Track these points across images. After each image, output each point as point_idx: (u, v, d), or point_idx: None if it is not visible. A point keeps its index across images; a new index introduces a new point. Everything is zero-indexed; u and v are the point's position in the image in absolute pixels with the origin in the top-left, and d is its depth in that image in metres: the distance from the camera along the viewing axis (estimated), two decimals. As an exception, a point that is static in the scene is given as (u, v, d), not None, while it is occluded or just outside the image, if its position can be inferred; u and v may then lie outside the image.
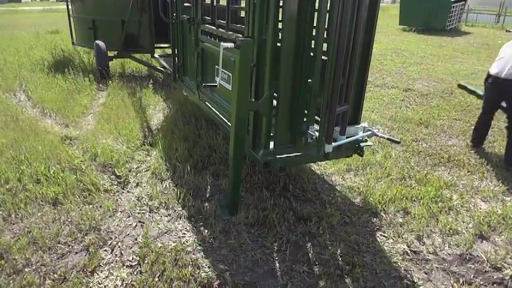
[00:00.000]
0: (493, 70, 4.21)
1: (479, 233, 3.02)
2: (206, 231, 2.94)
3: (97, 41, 7.00)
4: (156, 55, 7.26)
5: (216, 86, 3.17)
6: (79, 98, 5.93)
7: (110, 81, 6.73)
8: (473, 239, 2.94)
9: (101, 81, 6.89)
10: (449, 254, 2.80)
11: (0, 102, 5.68)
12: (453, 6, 16.64)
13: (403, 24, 17.84)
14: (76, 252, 2.69)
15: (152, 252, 2.67)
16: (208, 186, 3.57)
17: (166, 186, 3.55)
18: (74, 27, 8.18)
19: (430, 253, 2.80)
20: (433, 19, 16.57)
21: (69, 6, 8.14)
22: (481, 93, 5.08)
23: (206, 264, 2.60)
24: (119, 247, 2.75)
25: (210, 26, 3.81)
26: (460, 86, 5.38)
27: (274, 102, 2.93)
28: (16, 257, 2.59)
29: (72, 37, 8.31)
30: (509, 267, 2.67)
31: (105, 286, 2.42)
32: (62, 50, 9.15)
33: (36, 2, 45.63)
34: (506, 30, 18.34)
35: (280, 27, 2.83)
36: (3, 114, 5.18)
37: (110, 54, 7.16)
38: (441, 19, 16.56)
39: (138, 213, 3.16)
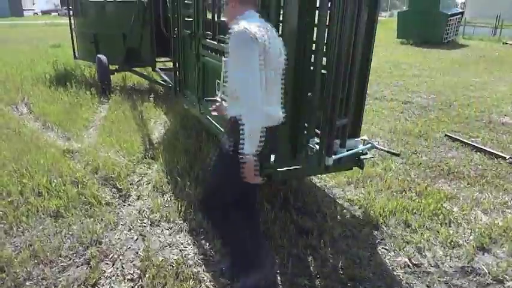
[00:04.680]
0: None
1: (481, 246, 3.01)
2: (207, 244, 2.93)
3: (99, 55, 7.08)
4: (157, 69, 7.33)
5: (218, 100, 3.19)
6: (81, 112, 5.97)
7: (112, 95, 6.78)
8: (474, 252, 2.94)
9: (102, 94, 6.94)
10: (451, 267, 2.79)
11: (3, 116, 5.72)
12: (450, 19, 16.86)
13: (401, 38, 18.05)
14: (77, 266, 2.68)
15: (153, 265, 2.66)
16: (209, 199, 3.57)
17: (167, 199, 3.56)
18: (76, 41, 8.28)
19: (431, 266, 2.80)
20: (430, 32, 16.77)
21: (72, 21, 8.26)
22: (475, 144, 5.00)
23: (207, 278, 2.60)
24: (120, 260, 2.75)
25: (211, 41, 3.87)
26: (448, 136, 5.38)
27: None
28: (17, 270, 2.59)
29: (74, 51, 8.40)
30: (511, 280, 2.66)
31: (106, 300, 2.41)
32: (64, 64, 9.23)
33: (39, 16, 46.13)
34: (503, 43, 18.53)
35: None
36: (5, 127, 5.21)
37: (112, 68, 7.23)
38: (438, 32, 16.77)
39: (140, 226, 3.16)
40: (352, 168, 3.38)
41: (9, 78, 8.09)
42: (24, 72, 8.78)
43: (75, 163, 4.20)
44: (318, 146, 2.85)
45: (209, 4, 4.06)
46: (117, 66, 7.36)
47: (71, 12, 8.31)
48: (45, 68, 9.04)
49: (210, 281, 2.57)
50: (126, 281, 2.56)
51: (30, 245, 2.85)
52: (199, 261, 2.76)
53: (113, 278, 2.58)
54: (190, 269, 2.66)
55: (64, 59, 9.96)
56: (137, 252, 2.83)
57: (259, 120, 1.93)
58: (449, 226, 3.27)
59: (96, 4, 7.77)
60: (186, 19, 4.59)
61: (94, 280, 2.53)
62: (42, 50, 12.65)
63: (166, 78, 6.74)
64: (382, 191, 3.81)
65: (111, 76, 7.30)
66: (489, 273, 2.72)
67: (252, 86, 1.91)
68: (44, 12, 53.18)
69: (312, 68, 2.88)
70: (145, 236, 3.03)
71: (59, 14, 46.22)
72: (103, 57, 7.03)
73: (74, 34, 8.32)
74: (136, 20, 6.83)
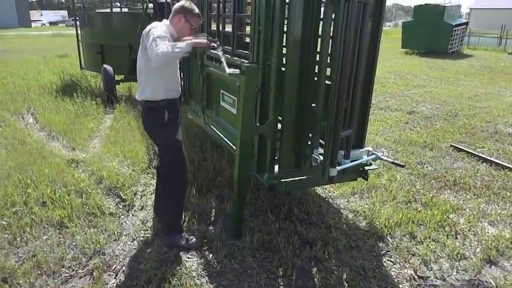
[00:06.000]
0: None
1: (488, 258, 2.97)
2: (211, 255, 2.91)
3: (105, 65, 7.15)
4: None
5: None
6: (86, 121, 6.01)
7: (117, 105, 6.83)
8: (481, 264, 2.89)
9: (107, 104, 6.99)
10: (458, 280, 2.75)
11: (9, 125, 5.77)
12: (455, 30, 16.88)
13: (406, 48, 18.10)
14: (80, 277, 2.67)
15: (157, 276, 2.64)
16: (213, 210, 3.56)
17: (171, 209, 3.54)
18: (83, 51, 8.37)
19: (437, 278, 2.76)
20: (435, 42, 16.80)
21: (78, 31, 8.36)
22: (481, 155, 4.90)
23: (211, 290, 2.58)
24: (123, 272, 2.73)
25: (216, 52, 3.88)
26: (453, 147, 5.32)
27: (279, 125, 2.96)
28: (20, 281, 2.58)
29: (80, 61, 8.49)
30: (520, 294, 2.62)
31: (108, 312, 2.39)
32: (70, 74, 9.32)
33: (46, 27, 46.78)
34: (509, 53, 18.49)
35: (285, 53, 2.90)
36: (11, 137, 5.25)
37: (117, 78, 7.29)
38: (443, 42, 16.79)
39: (143, 237, 3.15)
40: (356, 179, 3.36)
41: (15, 88, 8.18)
42: (31, 82, 8.88)
43: (80, 173, 4.21)
44: (322, 157, 2.84)
45: (214, 15, 4.10)
46: (122, 77, 7.42)
47: (78, 23, 8.43)
48: (51, 78, 9.14)
49: (213, 293, 2.54)
50: (128, 292, 2.54)
51: (34, 256, 2.84)
52: (202, 272, 2.74)
53: (116, 289, 2.57)
54: (193, 280, 2.64)
55: (70, 69, 10.08)
56: (140, 263, 2.82)
57: None
58: (456, 238, 3.23)
59: (103, 15, 7.88)
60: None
61: (97, 291, 2.52)
62: (49, 60, 12.80)
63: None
64: (387, 201, 3.78)
65: (117, 86, 7.36)
66: (496, 286, 2.68)
67: None
68: (52, 23, 54.01)
69: (316, 78, 2.89)
70: (148, 247, 3.01)
71: (66, 25, 46.93)
72: (109, 68, 7.09)
73: (80, 45, 8.42)
74: (142, 31, 6.89)
